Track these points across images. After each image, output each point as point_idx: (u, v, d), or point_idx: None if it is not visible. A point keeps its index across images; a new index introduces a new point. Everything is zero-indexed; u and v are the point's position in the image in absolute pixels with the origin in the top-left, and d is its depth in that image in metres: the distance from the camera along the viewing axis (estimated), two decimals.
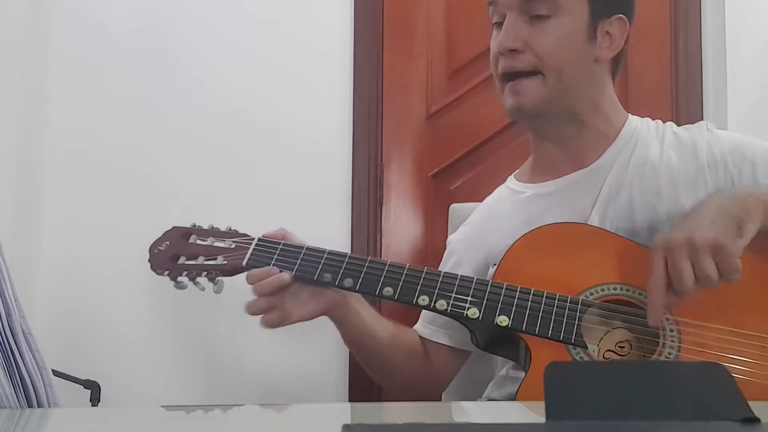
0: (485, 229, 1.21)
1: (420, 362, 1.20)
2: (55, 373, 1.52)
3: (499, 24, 1.10)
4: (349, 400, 1.88)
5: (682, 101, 2.07)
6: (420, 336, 1.23)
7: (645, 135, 1.14)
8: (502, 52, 1.09)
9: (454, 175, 2.08)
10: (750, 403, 0.45)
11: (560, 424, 0.44)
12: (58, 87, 2.13)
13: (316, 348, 1.96)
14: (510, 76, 1.09)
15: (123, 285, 2.03)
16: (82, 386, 1.76)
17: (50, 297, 2.04)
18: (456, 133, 2.11)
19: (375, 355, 1.17)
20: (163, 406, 1.66)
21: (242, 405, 1.29)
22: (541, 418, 0.44)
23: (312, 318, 1.08)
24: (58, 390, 0.69)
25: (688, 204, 1.06)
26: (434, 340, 1.21)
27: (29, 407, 0.66)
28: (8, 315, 0.65)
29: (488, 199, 1.28)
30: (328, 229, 2.10)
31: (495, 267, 1.05)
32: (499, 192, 1.27)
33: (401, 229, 2.10)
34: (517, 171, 1.28)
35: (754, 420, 0.43)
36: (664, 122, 1.18)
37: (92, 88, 2.14)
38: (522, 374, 1.10)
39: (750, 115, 2.00)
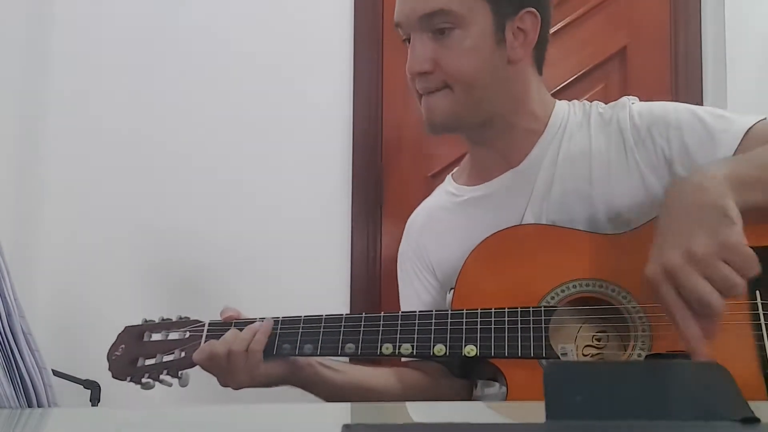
0: (425, 240, 1.19)
1: (427, 392, 1.13)
2: (55, 373, 1.52)
3: (409, 41, 1.08)
4: None
5: (682, 101, 2.05)
6: (412, 363, 1.16)
7: (573, 122, 1.10)
8: (412, 75, 1.08)
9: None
10: (750, 403, 0.45)
11: (560, 424, 0.44)
12: (58, 88, 2.13)
13: None
14: (426, 94, 1.08)
15: (123, 285, 2.03)
16: (82, 386, 1.77)
17: (50, 297, 2.04)
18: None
19: (377, 401, 1.10)
20: (163, 407, 1.66)
21: (242, 405, 1.29)
22: (540, 418, 0.44)
23: (275, 378, 1.04)
24: (58, 390, 0.69)
25: (620, 190, 1.03)
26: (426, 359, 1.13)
27: (29, 407, 0.66)
28: (8, 315, 0.65)
29: (426, 203, 1.25)
30: (328, 229, 2.10)
31: (452, 291, 1.02)
32: (437, 195, 1.24)
33: (401, 229, 2.09)
34: (455, 170, 1.25)
35: (754, 420, 0.43)
36: (590, 102, 1.14)
37: (92, 88, 2.14)
38: (493, 390, 1.09)
39: (750, 114, 2.00)
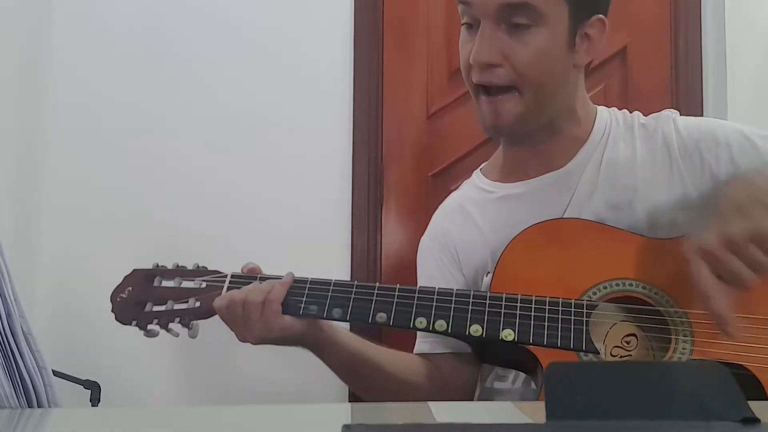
0: (452, 234, 1.16)
1: (432, 382, 1.13)
2: (55, 373, 1.52)
3: (470, 26, 1.02)
4: (349, 400, 1.88)
5: (682, 101, 2.07)
6: (423, 354, 1.16)
7: (615, 131, 1.10)
8: (477, 65, 1.01)
9: (454, 175, 2.08)
10: (750, 403, 0.45)
11: (560, 424, 0.44)
12: (59, 88, 2.13)
13: None
14: (485, 89, 1.03)
15: None
16: (82, 386, 1.76)
17: (50, 297, 2.04)
18: (456, 133, 2.11)
19: (379, 381, 1.10)
20: (162, 407, 1.66)
21: (242, 405, 1.29)
22: (541, 418, 0.44)
23: (294, 334, 1.02)
24: (58, 390, 0.69)
25: (663, 199, 1.03)
26: (437, 351, 1.14)
27: (29, 407, 0.66)
28: (8, 315, 0.65)
29: (455, 198, 1.22)
30: (328, 229, 2.10)
31: (490, 275, 1.00)
32: (465, 190, 1.22)
33: (401, 229, 2.10)
34: (483, 165, 1.23)
35: (754, 420, 0.43)
36: (631, 112, 1.14)
37: (93, 87, 2.14)
38: (506, 385, 1.08)
39: (750, 115, 2.00)
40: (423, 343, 1.17)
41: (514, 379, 1.06)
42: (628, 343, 0.96)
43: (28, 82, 2.10)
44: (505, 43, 0.99)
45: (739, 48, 2.07)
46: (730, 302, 0.84)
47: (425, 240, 1.23)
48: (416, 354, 1.17)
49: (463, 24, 1.04)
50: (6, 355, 0.65)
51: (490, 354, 1.04)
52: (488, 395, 1.13)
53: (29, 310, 0.67)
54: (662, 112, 1.12)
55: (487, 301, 0.95)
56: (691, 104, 2.07)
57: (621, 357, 0.96)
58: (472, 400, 1.15)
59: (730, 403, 0.45)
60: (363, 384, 1.14)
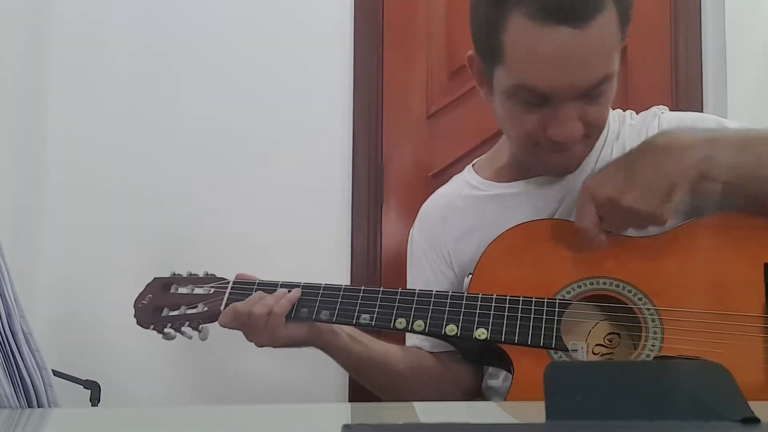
0: (443, 230, 1.19)
1: (440, 378, 1.15)
2: (55, 373, 1.52)
3: (531, 105, 0.98)
4: (349, 400, 1.88)
5: (682, 101, 2.07)
6: (426, 352, 1.19)
7: (612, 134, 1.12)
8: (568, 144, 1.00)
9: (454, 175, 2.08)
10: (750, 403, 0.45)
11: (560, 424, 0.44)
12: (58, 89, 2.13)
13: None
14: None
15: (123, 285, 2.02)
16: (82, 386, 1.76)
17: (50, 297, 2.04)
18: (456, 133, 2.11)
19: (386, 379, 1.14)
20: (162, 407, 1.66)
21: (242, 405, 1.29)
22: (540, 418, 0.44)
23: (298, 339, 1.08)
24: (58, 390, 0.69)
25: None
26: (436, 351, 1.17)
27: (29, 407, 0.66)
28: (8, 315, 0.65)
29: (444, 194, 1.24)
30: (328, 228, 2.10)
31: (470, 276, 1.04)
32: (456, 186, 1.23)
33: (401, 229, 2.09)
34: (475, 162, 1.24)
35: (754, 420, 0.43)
36: (623, 111, 1.15)
37: (92, 88, 2.14)
38: (497, 383, 1.11)
39: (750, 114, 2.00)
40: (424, 341, 1.19)
41: (506, 377, 1.07)
42: (610, 341, 0.97)
43: (29, 82, 2.10)
44: (583, 111, 0.98)
45: (739, 48, 2.07)
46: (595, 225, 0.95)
47: (415, 236, 1.25)
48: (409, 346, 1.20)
49: (523, 104, 0.99)
50: (6, 355, 0.65)
51: (473, 353, 1.06)
52: (484, 393, 1.15)
53: (29, 310, 0.67)
54: (650, 109, 1.13)
55: (464, 302, 0.99)
56: (691, 104, 2.07)
57: (603, 355, 0.97)
58: (478, 395, 1.17)
59: (730, 403, 0.45)
60: (372, 382, 1.17)
